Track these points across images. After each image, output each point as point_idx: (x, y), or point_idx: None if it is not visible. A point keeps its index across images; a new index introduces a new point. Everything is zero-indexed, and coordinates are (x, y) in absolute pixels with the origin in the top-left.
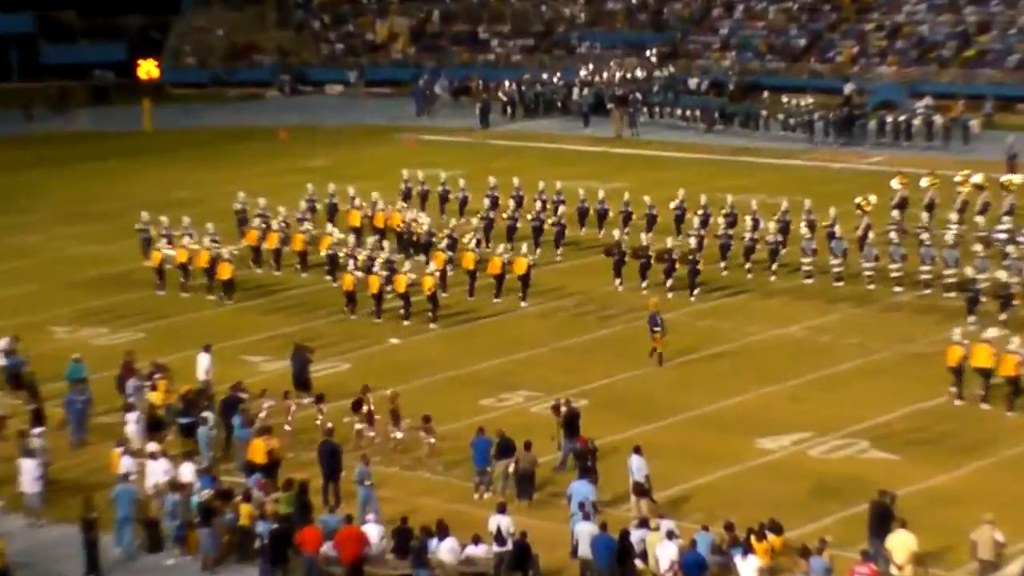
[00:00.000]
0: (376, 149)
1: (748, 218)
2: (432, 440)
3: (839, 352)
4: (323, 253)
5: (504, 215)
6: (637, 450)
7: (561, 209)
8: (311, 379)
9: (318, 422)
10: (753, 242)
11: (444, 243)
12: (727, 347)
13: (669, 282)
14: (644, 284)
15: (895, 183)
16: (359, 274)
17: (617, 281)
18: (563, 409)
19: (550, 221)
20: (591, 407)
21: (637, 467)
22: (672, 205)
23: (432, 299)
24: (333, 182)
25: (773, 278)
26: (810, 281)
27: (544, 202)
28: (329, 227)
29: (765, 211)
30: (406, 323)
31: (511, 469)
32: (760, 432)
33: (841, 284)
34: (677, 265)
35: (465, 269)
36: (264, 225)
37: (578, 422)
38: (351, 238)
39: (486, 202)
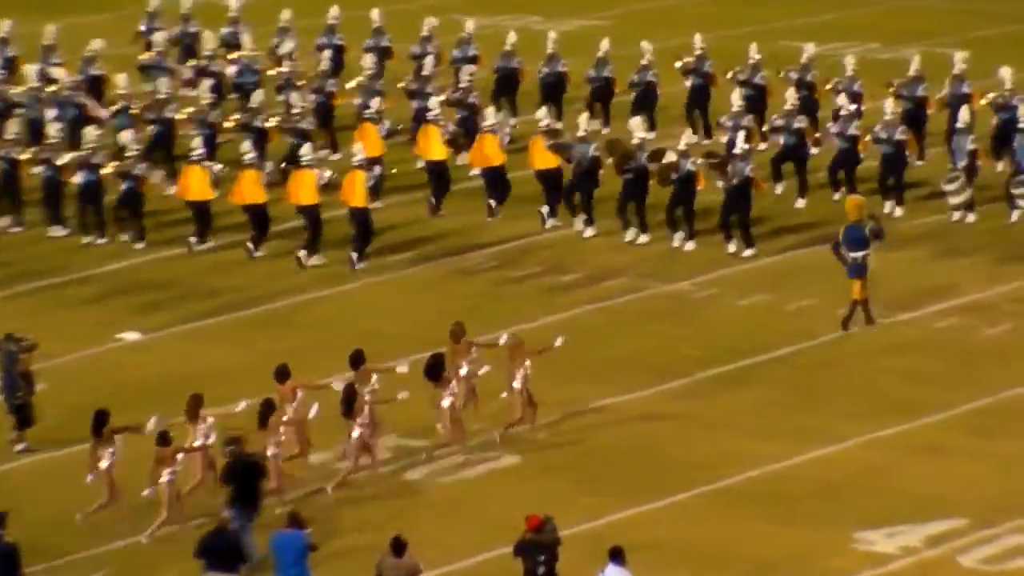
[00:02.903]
0: None
1: (836, 93)
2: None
3: (1022, 359)
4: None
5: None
6: (615, 556)
7: (469, 73)
8: (31, 399)
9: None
10: (850, 142)
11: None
12: (797, 348)
13: (691, 242)
14: (631, 235)
15: None
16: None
17: (581, 222)
18: (231, 451)
19: (441, 98)
20: (522, 467)
21: None
22: (678, 65)
23: (360, 220)
24: (11, 19)
25: (895, 210)
26: (965, 218)
27: (436, 57)
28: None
29: (870, 80)
30: (360, 266)
31: None
32: (863, 518)
33: None
34: (701, 185)
35: (428, 160)
36: None
37: (258, 483)
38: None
39: (324, 59)
